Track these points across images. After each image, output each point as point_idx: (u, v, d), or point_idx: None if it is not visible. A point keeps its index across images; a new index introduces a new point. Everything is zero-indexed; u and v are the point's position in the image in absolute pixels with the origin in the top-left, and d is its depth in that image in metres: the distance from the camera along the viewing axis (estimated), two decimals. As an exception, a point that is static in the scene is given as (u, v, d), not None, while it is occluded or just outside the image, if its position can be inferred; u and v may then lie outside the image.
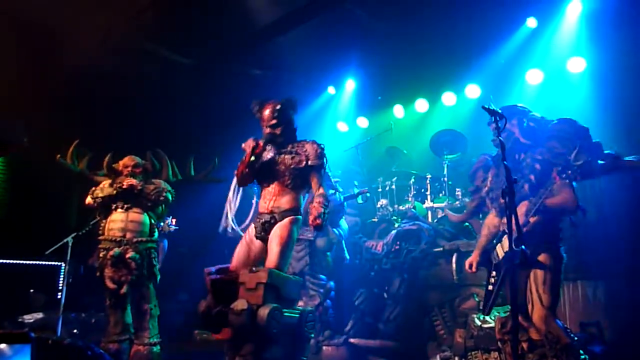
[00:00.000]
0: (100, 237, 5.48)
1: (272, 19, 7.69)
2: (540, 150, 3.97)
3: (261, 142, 4.41)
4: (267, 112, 4.47)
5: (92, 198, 5.47)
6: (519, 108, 4.21)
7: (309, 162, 4.38)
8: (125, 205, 5.46)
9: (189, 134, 8.32)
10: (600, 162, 3.83)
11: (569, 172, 3.60)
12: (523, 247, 2.99)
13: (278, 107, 4.45)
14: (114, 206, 5.48)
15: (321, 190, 4.33)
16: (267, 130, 4.47)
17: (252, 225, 4.54)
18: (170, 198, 5.67)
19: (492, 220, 4.27)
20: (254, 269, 4.18)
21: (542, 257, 3.87)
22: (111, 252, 5.27)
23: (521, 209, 3.84)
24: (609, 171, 3.87)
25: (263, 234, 4.43)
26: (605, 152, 3.88)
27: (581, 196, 4.14)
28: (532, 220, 3.84)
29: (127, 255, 5.28)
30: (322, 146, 4.45)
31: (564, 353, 3.65)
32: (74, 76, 7.52)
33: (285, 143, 4.48)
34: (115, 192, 5.42)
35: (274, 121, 4.44)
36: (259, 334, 3.94)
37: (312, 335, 4.46)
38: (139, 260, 5.33)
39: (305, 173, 4.39)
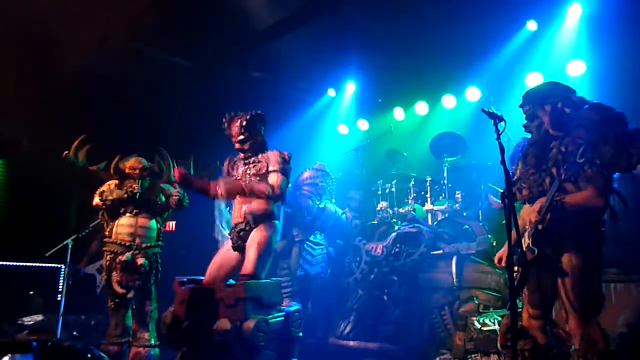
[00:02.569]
0: (106, 240, 5.45)
1: (272, 21, 7.70)
2: (567, 141, 3.53)
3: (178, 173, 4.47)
4: (235, 128, 4.54)
5: (101, 200, 5.38)
6: (559, 89, 3.67)
7: (269, 167, 4.43)
8: (135, 210, 5.46)
9: (188, 136, 8.31)
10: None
11: (570, 174, 3.29)
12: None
13: (244, 122, 4.50)
14: (122, 210, 5.45)
15: (270, 182, 4.35)
16: (237, 145, 4.57)
17: (229, 237, 4.56)
18: (185, 204, 5.71)
19: (527, 211, 3.72)
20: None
21: (566, 258, 3.47)
22: (122, 257, 5.27)
23: (536, 205, 3.55)
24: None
25: (240, 243, 4.42)
26: None
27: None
28: (547, 217, 3.47)
29: (139, 262, 5.31)
30: (285, 153, 4.52)
31: (595, 357, 3.35)
32: (73, 78, 7.52)
33: (253, 155, 4.56)
34: (126, 195, 5.40)
35: (241, 137, 4.52)
36: (247, 348, 3.90)
37: (300, 334, 4.46)
38: (148, 266, 5.37)
39: (267, 178, 4.42)
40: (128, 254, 5.29)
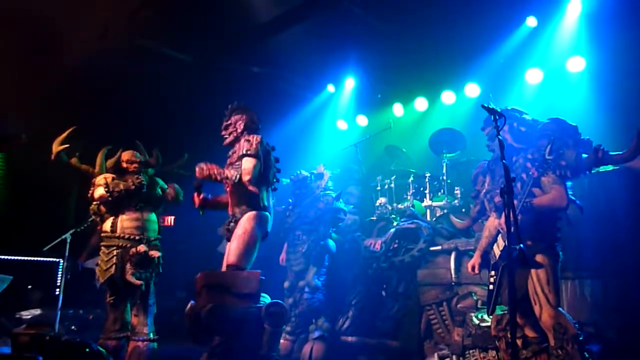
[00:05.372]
0: (108, 235, 5.43)
1: (272, 16, 7.68)
2: (531, 150, 4.07)
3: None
4: (223, 124, 4.83)
5: (107, 191, 5.33)
6: (510, 112, 4.25)
7: (239, 154, 4.55)
8: (139, 205, 5.47)
9: (187, 130, 8.31)
10: (584, 155, 3.90)
11: (545, 165, 3.77)
12: (521, 245, 2.99)
13: (228, 121, 4.79)
14: (126, 203, 5.45)
15: (240, 170, 4.42)
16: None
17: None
18: (181, 199, 5.78)
19: (492, 222, 4.31)
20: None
21: (540, 257, 3.92)
22: (140, 249, 5.28)
23: None
24: (594, 165, 3.91)
25: (229, 235, 4.57)
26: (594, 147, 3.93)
27: (579, 194, 4.16)
28: (518, 218, 3.82)
29: (154, 255, 5.37)
30: (251, 138, 4.54)
31: (570, 343, 3.74)
32: (72, 72, 7.50)
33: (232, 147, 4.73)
34: (134, 187, 5.39)
35: (223, 132, 4.80)
36: (202, 331, 4.18)
37: (280, 329, 4.48)
38: (157, 259, 5.44)
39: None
40: (144, 246, 5.32)
